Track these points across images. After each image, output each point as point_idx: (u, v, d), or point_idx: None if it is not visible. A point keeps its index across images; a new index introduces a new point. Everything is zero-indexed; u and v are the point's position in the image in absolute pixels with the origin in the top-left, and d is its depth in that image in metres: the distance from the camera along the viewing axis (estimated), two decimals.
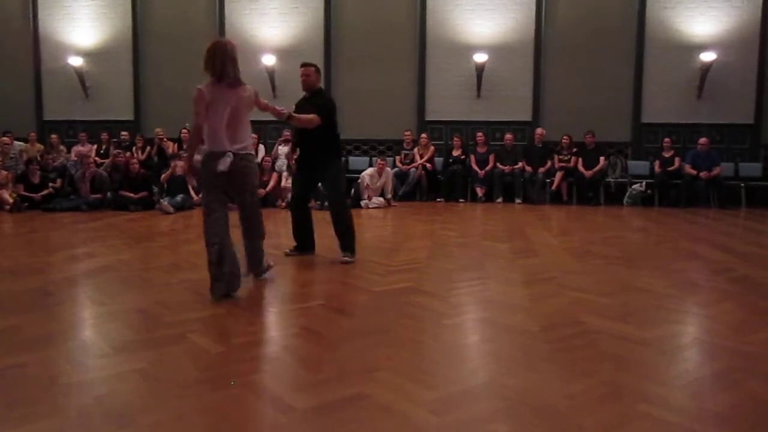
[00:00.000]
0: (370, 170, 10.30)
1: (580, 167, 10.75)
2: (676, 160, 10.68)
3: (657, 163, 10.82)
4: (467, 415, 2.44)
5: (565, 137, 10.98)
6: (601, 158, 10.80)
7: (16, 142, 11.13)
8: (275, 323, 3.84)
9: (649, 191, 10.61)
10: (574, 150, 10.95)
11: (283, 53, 12.04)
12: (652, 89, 11.34)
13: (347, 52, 12.12)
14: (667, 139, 10.89)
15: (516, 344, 3.28)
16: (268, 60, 11.80)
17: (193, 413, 2.45)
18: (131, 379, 2.78)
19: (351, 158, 11.97)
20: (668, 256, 6.02)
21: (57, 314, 3.95)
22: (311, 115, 5.19)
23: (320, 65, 11.90)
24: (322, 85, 5.82)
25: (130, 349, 3.21)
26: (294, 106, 5.34)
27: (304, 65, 5.51)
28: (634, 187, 10.65)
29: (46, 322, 3.71)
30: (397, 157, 11.36)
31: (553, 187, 10.75)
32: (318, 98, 5.43)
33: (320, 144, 5.38)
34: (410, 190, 11.07)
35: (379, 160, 10.51)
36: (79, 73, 12.58)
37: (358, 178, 10.23)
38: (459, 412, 2.46)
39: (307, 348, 3.26)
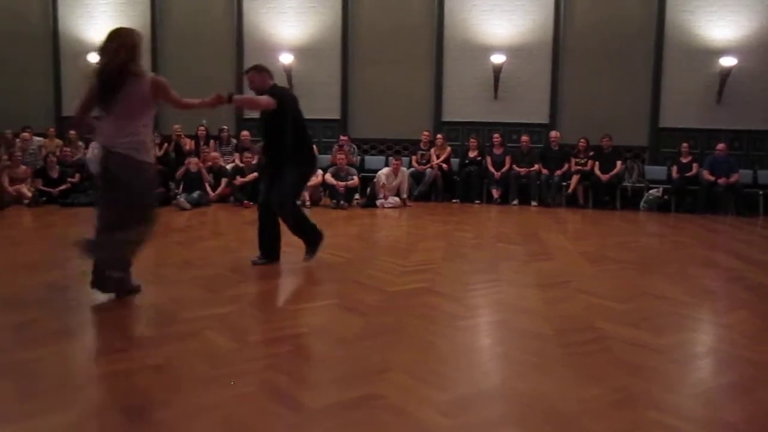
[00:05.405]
0: (386, 170, 10.30)
1: (597, 171, 10.67)
2: (694, 165, 10.57)
3: (674, 169, 10.71)
4: (479, 417, 2.44)
5: (581, 140, 10.91)
6: (618, 162, 10.71)
7: (35, 138, 11.26)
8: (288, 321, 3.86)
9: (665, 197, 10.51)
10: (591, 153, 10.87)
11: (300, 52, 12.08)
12: (671, 94, 11.22)
13: (364, 51, 12.12)
14: (684, 145, 10.76)
15: (529, 348, 3.28)
16: (286, 58, 11.85)
17: (207, 409, 2.47)
18: (146, 375, 2.81)
19: (367, 158, 11.97)
20: (684, 262, 5.97)
21: (73, 309, 3.99)
22: (262, 96, 4.91)
23: (337, 65, 12.12)
24: (278, 81, 5.38)
25: (145, 345, 3.25)
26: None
27: (245, 72, 5.26)
28: (650, 192, 10.56)
29: (62, 316, 3.76)
30: (413, 157, 11.35)
31: (569, 191, 10.69)
32: (273, 93, 5.05)
33: (281, 142, 5.03)
34: (426, 191, 11.05)
35: (393, 159, 10.51)
36: None
37: (374, 177, 10.25)
38: (470, 414, 2.46)
39: (320, 347, 3.27)
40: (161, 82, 4.02)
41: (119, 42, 3.85)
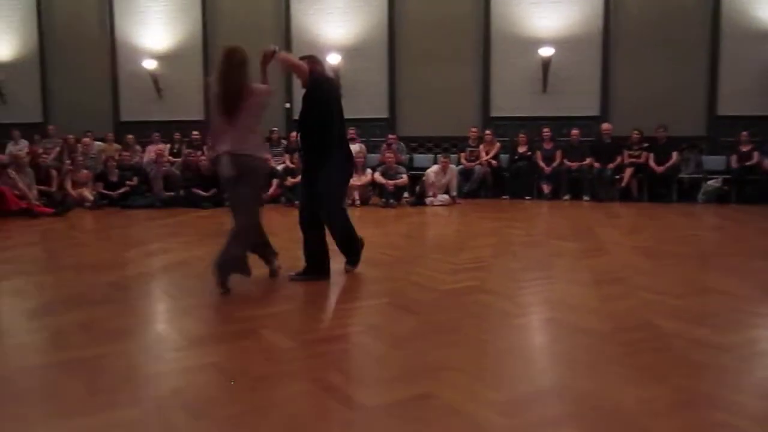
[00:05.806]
0: (434, 167, 10.29)
1: (651, 163, 10.40)
2: (755, 154, 10.18)
3: (734, 158, 10.34)
4: (536, 417, 2.41)
5: (635, 132, 10.64)
6: (674, 153, 10.41)
7: (95, 143, 11.67)
8: (342, 320, 3.90)
9: (725, 187, 10.17)
10: (645, 145, 10.60)
11: (348, 52, 12.16)
12: (728, 80, 10.83)
13: (411, 49, 12.11)
14: (744, 133, 10.37)
15: (585, 346, 3.22)
16: (334, 59, 11.94)
17: (265, 407, 2.52)
18: (206, 372, 2.88)
19: (415, 156, 11.97)
20: (746, 256, 5.76)
21: (134, 307, 4.13)
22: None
23: (384, 63, 12.16)
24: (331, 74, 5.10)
25: (204, 343, 3.33)
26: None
27: (299, 59, 4.95)
28: (709, 183, 10.23)
29: (124, 315, 3.89)
30: (462, 154, 11.28)
31: (623, 184, 10.46)
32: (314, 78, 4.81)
33: (320, 131, 4.71)
34: (475, 188, 10.98)
35: (441, 157, 10.48)
36: (153, 76, 13.05)
37: (422, 175, 10.25)
38: (528, 414, 2.44)
39: (374, 345, 3.29)
40: (269, 91, 4.60)
41: (237, 62, 4.33)
